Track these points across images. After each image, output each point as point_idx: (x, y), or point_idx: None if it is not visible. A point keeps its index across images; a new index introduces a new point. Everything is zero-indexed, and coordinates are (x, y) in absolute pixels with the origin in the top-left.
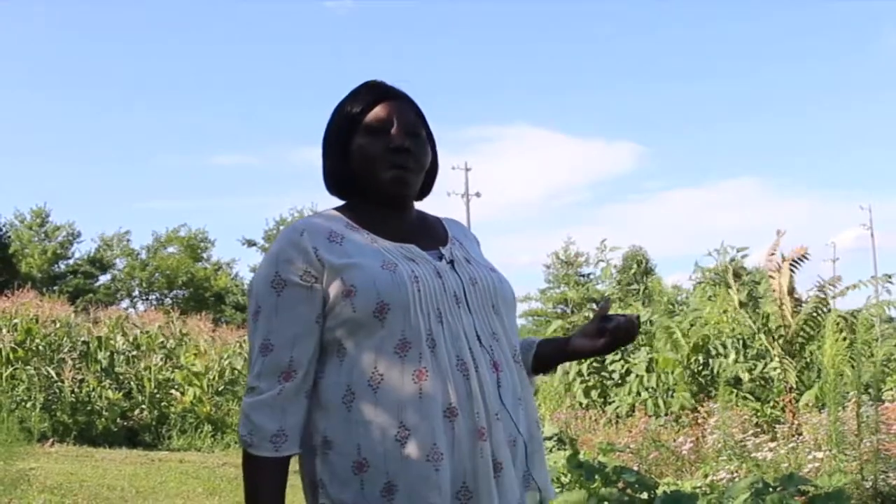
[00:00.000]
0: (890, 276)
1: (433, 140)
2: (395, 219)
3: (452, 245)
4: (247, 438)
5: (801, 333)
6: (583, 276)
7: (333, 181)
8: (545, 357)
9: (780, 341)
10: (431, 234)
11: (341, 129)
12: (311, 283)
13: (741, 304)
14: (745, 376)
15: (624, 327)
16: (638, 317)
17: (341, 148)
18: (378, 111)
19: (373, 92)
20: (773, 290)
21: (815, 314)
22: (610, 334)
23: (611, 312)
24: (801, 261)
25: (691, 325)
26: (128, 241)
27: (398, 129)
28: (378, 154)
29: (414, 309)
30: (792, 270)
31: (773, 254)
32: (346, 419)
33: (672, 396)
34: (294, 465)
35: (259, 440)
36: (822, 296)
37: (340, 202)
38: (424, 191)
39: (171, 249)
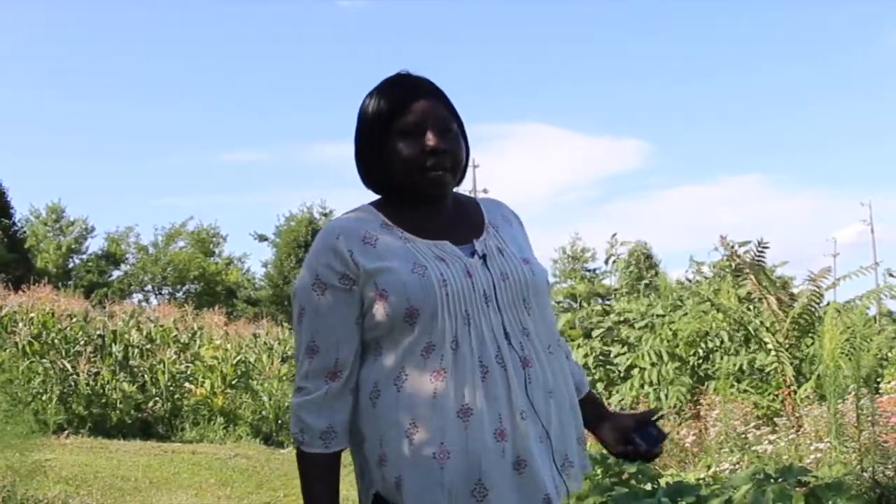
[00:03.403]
0: (891, 271)
1: (464, 128)
2: (432, 213)
3: (487, 234)
4: (299, 436)
5: (797, 326)
6: (589, 270)
7: (370, 181)
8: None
9: (777, 335)
10: (468, 222)
11: (373, 131)
12: (349, 286)
13: (741, 299)
14: (745, 369)
15: (644, 453)
16: (664, 436)
17: (374, 149)
18: (410, 112)
19: (401, 89)
20: (749, 287)
21: (809, 307)
22: (632, 452)
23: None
24: (761, 257)
25: (694, 319)
26: (138, 235)
27: (433, 131)
28: (415, 157)
29: (441, 313)
30: (760, 264)
31: (731, 257)
32: (373, 414)
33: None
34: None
35: (310, 438)
36: (816, 288)
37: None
38: (459, 178)
39: (180, 244)
